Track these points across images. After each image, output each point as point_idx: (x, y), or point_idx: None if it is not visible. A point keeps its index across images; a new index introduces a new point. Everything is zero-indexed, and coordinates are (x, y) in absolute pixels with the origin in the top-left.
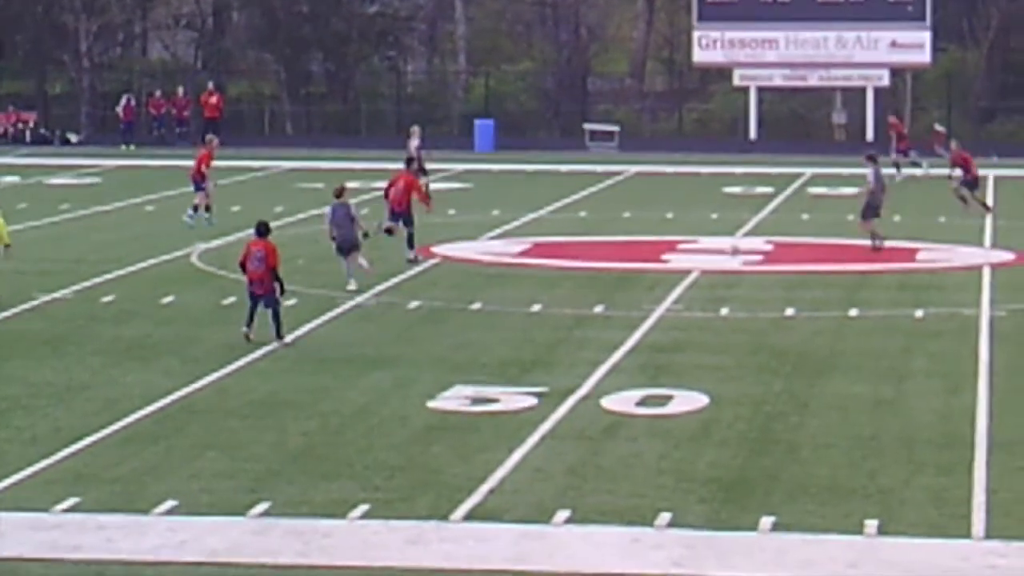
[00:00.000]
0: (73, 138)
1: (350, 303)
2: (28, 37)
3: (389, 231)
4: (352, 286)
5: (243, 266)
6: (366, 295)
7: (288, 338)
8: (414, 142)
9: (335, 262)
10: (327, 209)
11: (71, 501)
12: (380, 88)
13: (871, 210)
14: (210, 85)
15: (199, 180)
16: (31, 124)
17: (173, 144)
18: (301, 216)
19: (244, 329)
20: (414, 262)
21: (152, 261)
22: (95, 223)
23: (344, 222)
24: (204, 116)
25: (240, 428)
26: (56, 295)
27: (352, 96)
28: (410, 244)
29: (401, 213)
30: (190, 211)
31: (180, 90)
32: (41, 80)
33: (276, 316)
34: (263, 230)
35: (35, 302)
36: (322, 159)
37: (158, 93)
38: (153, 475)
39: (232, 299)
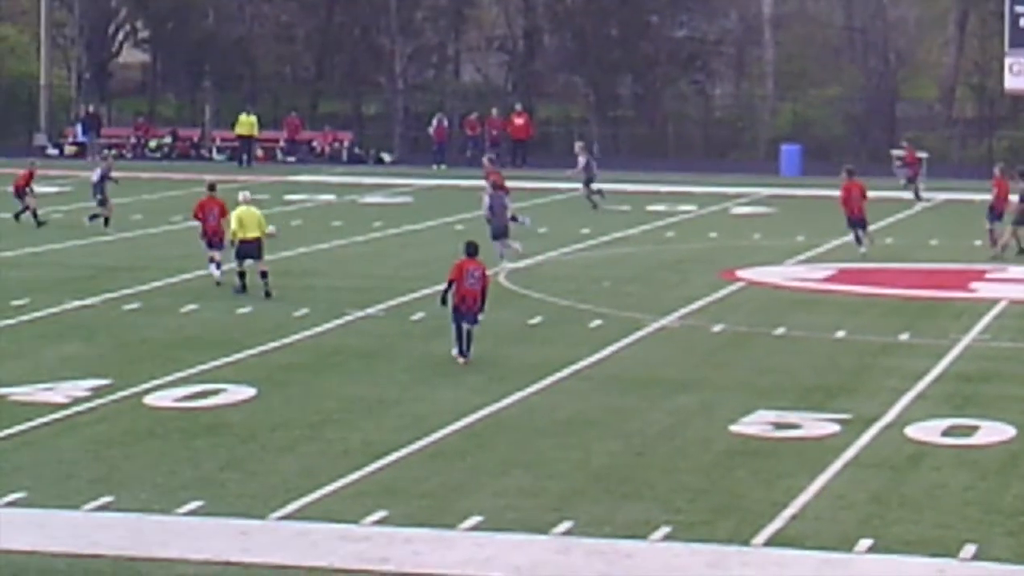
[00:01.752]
0: (387, 158)
1: (655, 325)
2: (346, 59)
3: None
4: (507, 266)
5: (451, 284)
6: (670, 317)
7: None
8: (581, 159)
9: (634, 283)
10: (486, 198)
11: (380, 514)
12: (687, 111)
13: None
14: (517, 107)
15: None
16: (347, 144)
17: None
18: (605, 239)
19: (456, 354)
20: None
21: None
22: (407, 241)
23: (500, 211)
24: (512, 137)
25: (545, 446)
26: (368, 311)
27: (659, 119)
28: None
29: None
30: None
31: (494, 111)
32: (357, 101)
33: (469, 336)
34: (474, 250)
35: (348, 318)
36: (629, 181)
37: (474, 115)
38: (460, 491)
39: (539, 319)
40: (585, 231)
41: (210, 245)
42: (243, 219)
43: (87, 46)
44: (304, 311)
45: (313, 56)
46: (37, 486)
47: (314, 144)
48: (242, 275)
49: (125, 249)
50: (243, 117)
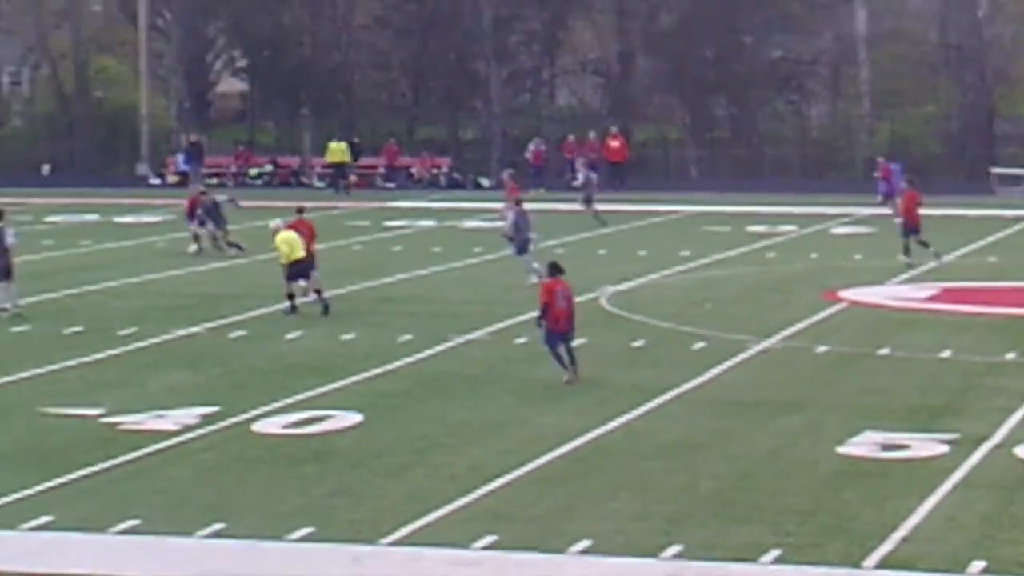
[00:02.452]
0: (485, 182)
1: (758, 347)
2: (442, 85)
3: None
4: (533, 280)
5: (547, 307)
6: (774, 339)
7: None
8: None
9: (736, 304)
10: (511, 215)
11: (490, 538)
12: (783, 132)
13: None
14: (613, 129)
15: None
16: (445, 169)
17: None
18: (705, 260)
19: (564, 374)
20: None
21: None
22: (507, 266)
23: (524, 226)
24: (608, 160)
25: (651, 470)
26: (471, 336)
27: (755, 140)
28: None
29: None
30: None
31: (591, 135)
32: (454, 126)
33: (570, 352)
34: (559, 270)
35: (451, 343)
36: (726, 203)
37: (571, 137)
38: (567, 515)
39: (641, 342)
40: (685, 253)
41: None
42: (291, 242)
43: (186, 76)
44: (407, 337)
45: (409, 82)
46: (150, 513)
47: (412, 170)
48: (291, 296)
49: (229, 277)
50: (333, 144)
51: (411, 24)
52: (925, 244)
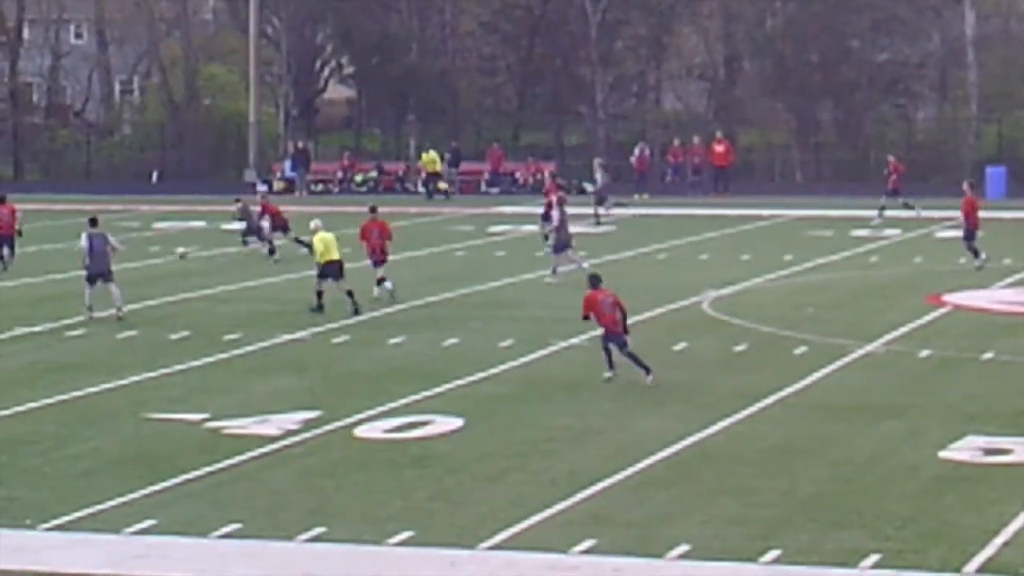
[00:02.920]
0: (589, 187)
1: (860, 351)
2: (547, 90)
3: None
4: (553, 279)
5: (587, 318)
6: (876, 343)
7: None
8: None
9: (838, 308)
10: (556, 213)
11: (588, 543)
12: (890, 135)
13: None
14: (718, 134)
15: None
16: (549, 174)
17: (685, 193)
18: (808, 264)
19: (608, 376)
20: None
21: (664, 308)
22: (609, 271)
23: (563, 225)
24: (713, 165)
25: (751, 475)
26: (573, 341)
27: (861, 143)
28: None
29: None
30: None
31: (696, 139)
32: (559, 131)
33: (632, 356)
34: (598, 280)
35: (553, 348)
36: (831, 207)
37: (676, 142)
38: (667, 519)
39: (743, 346)
40: (788, 257)
41: (374, 264)
42: (327, 242)
43: (294, 83)
44: (509, 341)
45: (515, 87)
46: (252, 518)
47: (517, 175)
48: (320, 294)
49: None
50: (425, 155)
51: (517, 29)
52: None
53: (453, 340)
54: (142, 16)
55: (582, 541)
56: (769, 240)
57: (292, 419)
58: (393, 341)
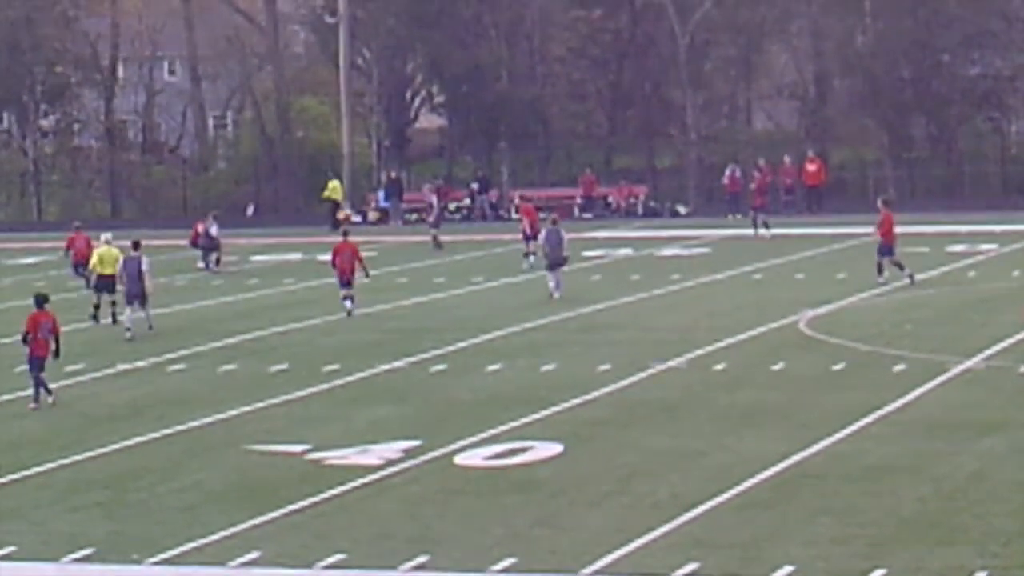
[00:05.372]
0: (682, 210)
1: (959, 367)
2: (637, 113)
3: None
4: (557, 295)
5: (26, 338)
6: (976, 359)
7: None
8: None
9: (936, 325)
10: (544, 232)
11: (692, 566)
12: (983, 150)
13: None
14: (809, 153)
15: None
16: (642, 198)
17: (779, 213)
18: (903, 282)
19: (32, 405)
20: None
21: (761, 329)
22: (705, 292)
23: (556, 244)
24: (805, 183)
25: (854, 493)
26: (671, 363)
27: (955, 159)
28: None
29: None
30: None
31: (786, 159)
32: (650, 154)
33: (41, 381)
34: (45, 299)
35: (651, 371)
36: (926, 223)
37: (761, 161)
38: (770, 541)
39: (841, 364)
40: (884, 275)
41: (341, 284)
42: (103, 257)
43: (386, 113)
44: (607, 366)
45: (605, 112)
46: (355, 547)
47: (609, 199)
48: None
49: (430, 311)
50: (330, 183)
51: (606, 54)
52: (900, 266)
53: (551, 366)
54: (234, 51)
55: (685, 564)
56: (864, 258)
57: (393, 448)
58: (491, 368)
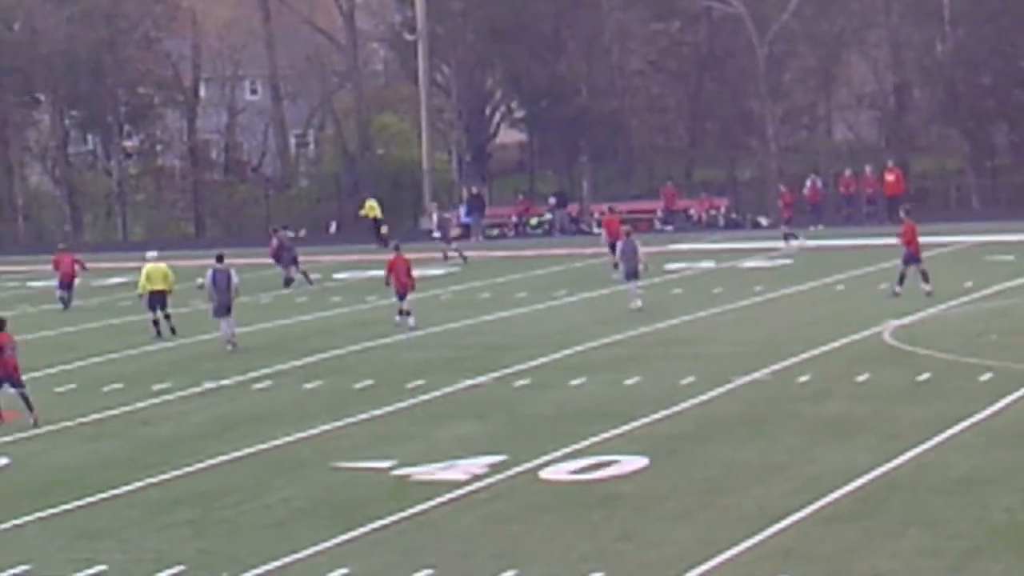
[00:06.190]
0: (763, 221)
1: None
2: (717, 125)
3: None
4: (637, 304)
5: None
6: None
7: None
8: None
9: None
10: (619, 244)
11: None
12: None
13: None
14: (889, 163)
15: None
16: (723, 210)
17: (861, 223)
18: (989, 291)
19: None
20: None
21: (845, 340)
22: (787, 304)
23: (631, 255)
24: (885, 194)
25: (941, 505)
26: (754, 376)
27: None
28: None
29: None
30: None
31: (867, 169)
32: (731, 166)
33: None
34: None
35: (733, 384)
36: (1009, 231)
37: (847, 172)
38: (857, 552)
39: (927, 375)
40: (968, 284)
41: (399, 297)
42: (150, 274)
43: (466, 129)
44: (690, 379)
45: (685, 124)
46: (442, 563)
47: (691, 212)
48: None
49: (512, 326)
50: (367, 202)
51: (685, 67)
52: (925, 276)
53: (634, 379)
54: (314, 70)
55: None
56: (948, 267)
57: (478, 464)
58: (574, 382)
